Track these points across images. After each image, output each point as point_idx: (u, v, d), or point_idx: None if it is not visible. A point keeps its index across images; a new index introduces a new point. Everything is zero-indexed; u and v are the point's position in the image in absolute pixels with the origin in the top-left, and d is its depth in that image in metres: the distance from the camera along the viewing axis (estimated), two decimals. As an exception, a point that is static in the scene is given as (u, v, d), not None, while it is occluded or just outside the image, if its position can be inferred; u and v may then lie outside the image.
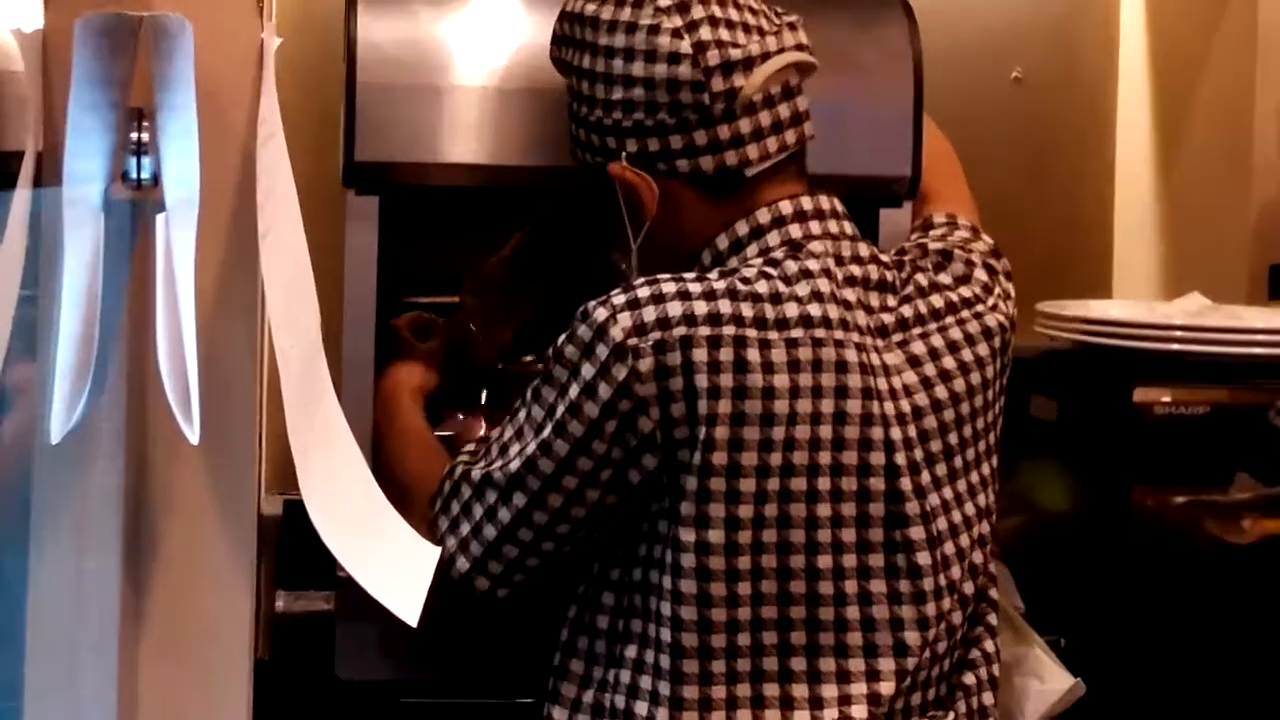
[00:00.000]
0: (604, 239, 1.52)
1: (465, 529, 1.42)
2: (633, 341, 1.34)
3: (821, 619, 1.35)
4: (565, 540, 1.40)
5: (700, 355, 1.33)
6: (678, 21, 1.40)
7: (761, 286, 1.37)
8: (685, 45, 1.39)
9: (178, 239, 0.86)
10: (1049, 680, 1.57)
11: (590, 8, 1.45)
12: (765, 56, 1.40)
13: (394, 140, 1.54)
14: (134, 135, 0.87)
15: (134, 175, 0.87)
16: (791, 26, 1.44)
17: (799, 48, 1.43)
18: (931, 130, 1.67)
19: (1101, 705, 1.62)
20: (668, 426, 1.33)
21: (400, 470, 1.51)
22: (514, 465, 1.39)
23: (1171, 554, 1.71)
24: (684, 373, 1.33)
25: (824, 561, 1.35)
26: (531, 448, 1.38)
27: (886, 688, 1.36)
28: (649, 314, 1.34)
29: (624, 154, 1.43)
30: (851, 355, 1.37)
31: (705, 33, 1.40)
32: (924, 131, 1.64)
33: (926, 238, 1.56)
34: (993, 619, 1.47)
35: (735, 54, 1.39)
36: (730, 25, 1.41)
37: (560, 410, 1.36)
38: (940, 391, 1.42)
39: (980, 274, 1.50)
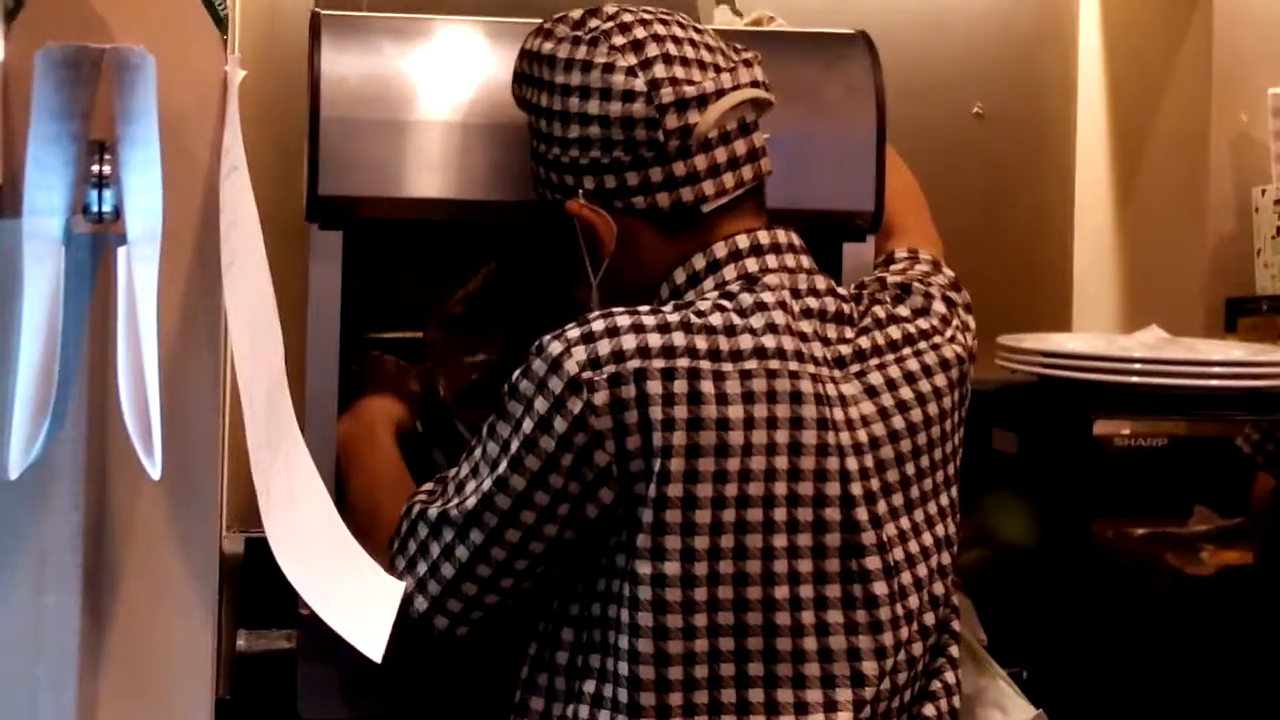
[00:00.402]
0: (568, 275, 1.52)
1: (422, 568, 1.41)
2: (587, 375, 1.34)
3: (779, 650, 1.35)
4: (524, 576, 1.40)
5: (654, 388, 1.33)
6: (632, 60, 1.41)
7: (716, 319, 1.37)
8: (639, 83, 1.40)
9: (140, 272, 0.85)
10: (1011, 712, 1.58)
11: (547, 46, 1.45)
12: (720, 93, 1.41)
13: (358, 175, 1.54)
14: (95, 168, 0.86)
15: (95, 208, 0.86)
16: (747, 63, 1.44)
17: (754, 84, 1.44)
18: (897, 165, 1.69)
19: (1065, 738, 1.62)
20: (623, 460, 1.33)
21: (369, 504, 1.50)
22: (470, 502, 1.38)
23: (1131, 585, 1.72)
24: (638, 405, 1.33)
25: (781, 592, 1.35)
26: (488, 484, 1.37)
27: (844, 718, 1.36)
28: (603, 347, 1.34)
29: (581, 191, 1.43)
30: (806, 386, 1.37)
31: (659, 70, 1.40)
32: (889, 166, 1.65)
33: (887, 272, 1.57)
34: (954, 650, 1.47)
35: (689, 91, 1.40)
36: (685, 63, 1.41)
37: (515, 445, 1.36)
38: (898, 422, 1.42)
39: (938, 306, 1.51)
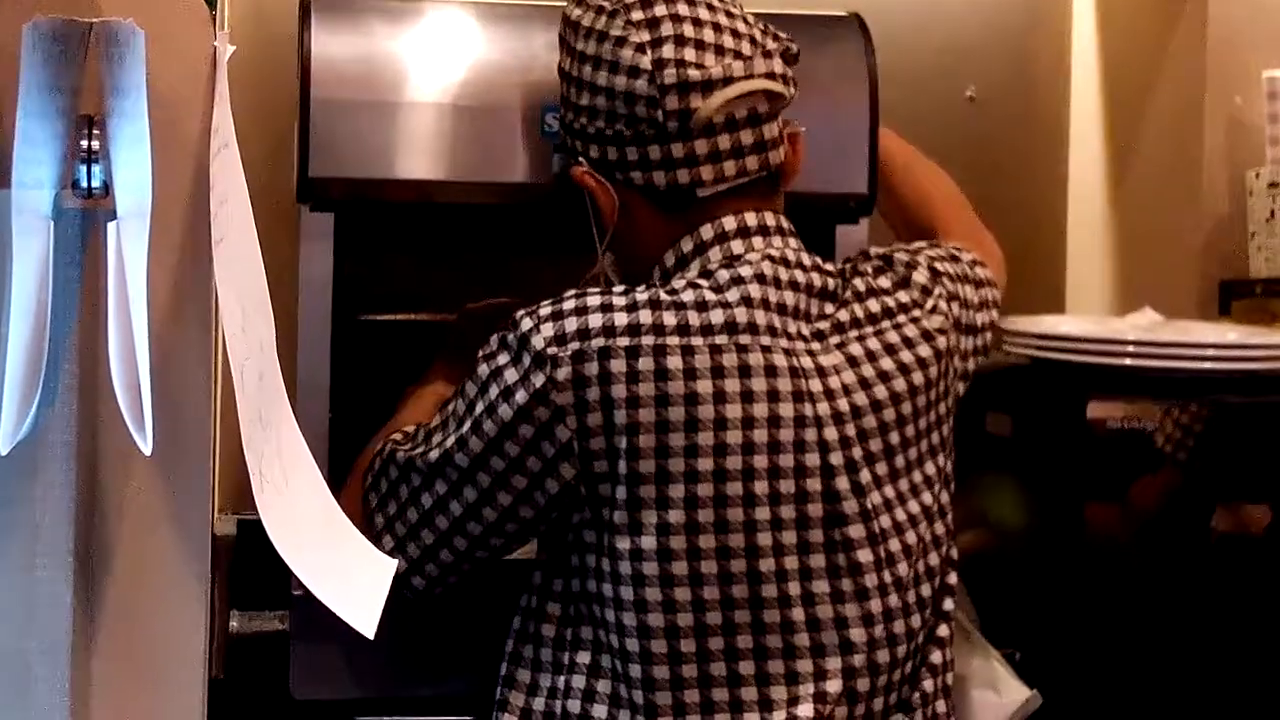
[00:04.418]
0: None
1: (392, 508, 1.44)
2: (552, 350, 1.35)
3: (767, 621, 1.36)
4: (478, 544, 1.41)
5: (618, 366, 1.34)
6: (645, 36, 1.41)
7: (687, 295, 1.39)
8: (645, 61, 1.40)
9: (129, 248, 0.84)
10: (1005, 693, 1.58)
11: (576, 12, 1.48)
12: (728, 81, 1.41)
13: (348, 157, 1.54)
14: (84, 143, 0.86)
15: (84, 183, 0.86)
16: (768, 54, 1.43)
17: (769, 76, 1.43)
18: (933, 169, 1.71)
19: (1057, 718, 1.63)
20: (584, 436, 1.35)
21: (371, 445, 1.52)
22: (434, 455, 1.41)
23: (1124, 567, 1.72)
24: (600, 383, 1.34)
25: (766, 565, 1.36)
26: (450, 441, 1.40)
27: (833, 686, 1.37)
28: (570, 324, 1.36)
29: (585, 158, 1.45)
30: (780, 360, 1.38)
31: (668, 50, 1.40)
32: (926, 171, 1.68)
33: (880, 247, 1.57)
34: (944, 630, 1.47)
35: (694, 75, 1.40)
36: (700, 46, 1.41)
37: (479, 409, 1.38)
38: (880, 391, 1.42)
39: (919, 276, 1.51)
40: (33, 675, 0.88)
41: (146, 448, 0.85)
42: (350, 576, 0.94)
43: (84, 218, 0.87)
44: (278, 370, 0.97)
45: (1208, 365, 1.76)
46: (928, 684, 1.45)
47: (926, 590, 1.43)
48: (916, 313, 1.48)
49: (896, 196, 1.70)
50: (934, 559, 1.44)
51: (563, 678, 1.39)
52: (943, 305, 1.50)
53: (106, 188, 0.87)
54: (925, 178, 1.72)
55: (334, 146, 1.52)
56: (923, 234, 1.67)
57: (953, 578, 1.48)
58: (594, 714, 1.37)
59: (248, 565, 1.65)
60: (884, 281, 1.49)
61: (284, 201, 1.56)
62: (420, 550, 1.42)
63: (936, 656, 1.46)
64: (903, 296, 1.49)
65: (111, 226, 0.86)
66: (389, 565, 0.97)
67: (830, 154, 1.60)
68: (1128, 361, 1.76)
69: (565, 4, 1.49)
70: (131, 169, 0.85)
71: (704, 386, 1.35)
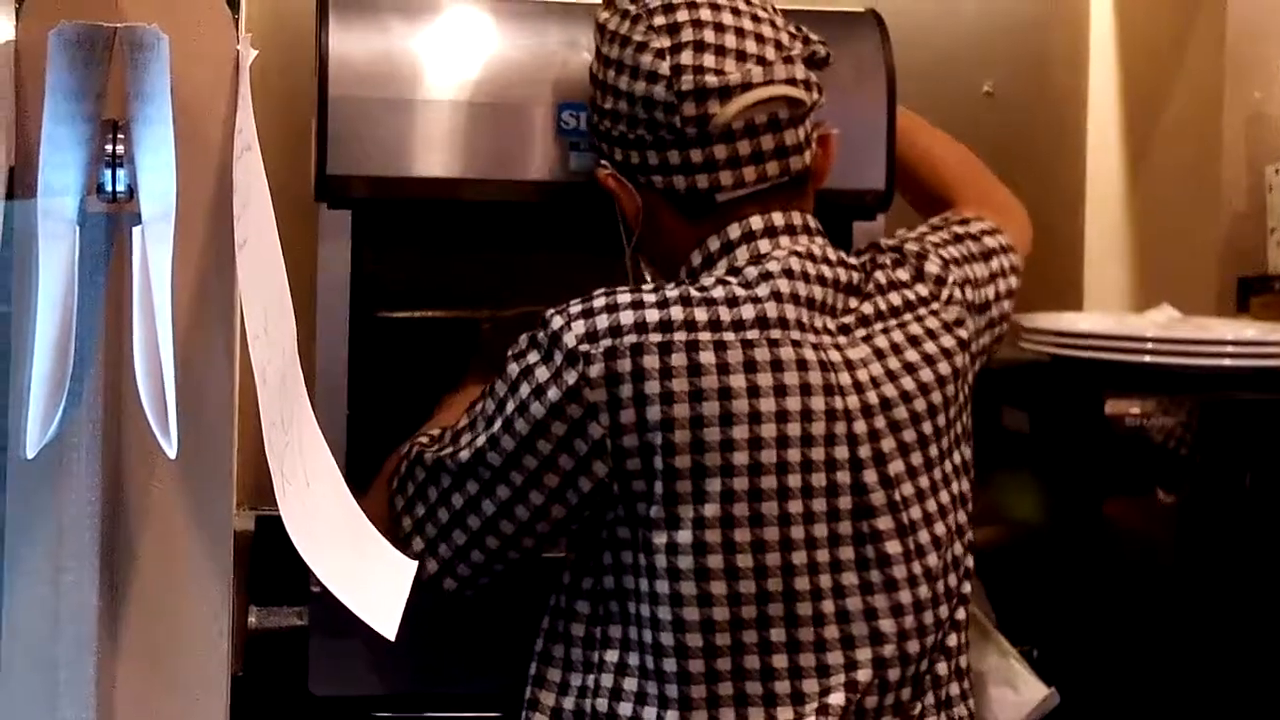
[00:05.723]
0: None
1: (421, 510, 1.44)
2: (584, 347, 1.36)
3: (800, 614, 1.37)
4: (510, 543, 1.41)
5: (651, 362, 1.35)
6: (665, 42, 1.42)
7: (718, 291, 1.39)
8: (664, 67, 1.41)
9: (154, 251, 0.85)
10: (1023, 690, 1.58)
11: (604, 15, 1.49)
12: (746, 87, 1.41)
13: (366, 154, 1.54)
14: (109, 147, 0.86)
15: (109, 188, 0.86)
16: (789, 60, 1.43)
17: (790, 82, 1.43)
18: (941, 137, 1.71)
19: (1075, 715, 1.63)
20: (617, 433, 1.35)
21: (396, 451, 1.52)
22: (464, 455, 1.41)
23: (1141, 564, 1.72)
24: (634, 380, 1.34)
25: (799, 558, 1.36)
26: (481, 440, 1.40)
27: (864, 675, 1.38)
28: (602, 322, 1.37)
29: (608, 161, 1.47)
30: (810, 354, 1.38)
31: (686, 57, 1.41)
32: (935, 140, 1.68)
33: (889, 238, 1.57)
34: (961, 614, 1.48)
35: (712, 81, 1.40)
36: (720, 52, 1.41)
37: (510, 407, 1.39)
38: (907, 383, 1.43)
39: (932, 267, 1.51)
40: (59, 679, 0.88)
41: (171, 450, 0.85)
42: (371, 578, 0.94)
43: (109, 222, 0.88)
44: (299, 373, 0.97)
45: (1226, 362, 1.76)
46: (941, 667, 1.45)
47: (953, 580, 1.45)
48: (935, 305, 1.49)
49: (908, 165, 1.69)
50: (959, 548, 1.46)
51: (592, 676, 1.40)
52: (957, 293, 1.51)
53: (131, 192, 0.87)
54: (936, 144, 1.71)
55: (352, 144, 1.53)
56: (937, 201, 1.67)
57: (970, 561, 1.49)
58: (620, 712, 1.37)
59: (266, 561, 1.66)
60: (903, 274, 1.50)
61: (302, 199, 1.57)
62: (452, 551, 1.42)
63: (952, 639, 1.47)
64: (920, 290, 1.49)
65: (136, 231, 0.86)
66: (409, 567, 0.97)
67: (847, 150, 1.60)
68: (1146, 358, 1.76)
69: (599, 8, 1.50)
70: (156, 173, 0.86)
71: (737, 381, 1.35)
